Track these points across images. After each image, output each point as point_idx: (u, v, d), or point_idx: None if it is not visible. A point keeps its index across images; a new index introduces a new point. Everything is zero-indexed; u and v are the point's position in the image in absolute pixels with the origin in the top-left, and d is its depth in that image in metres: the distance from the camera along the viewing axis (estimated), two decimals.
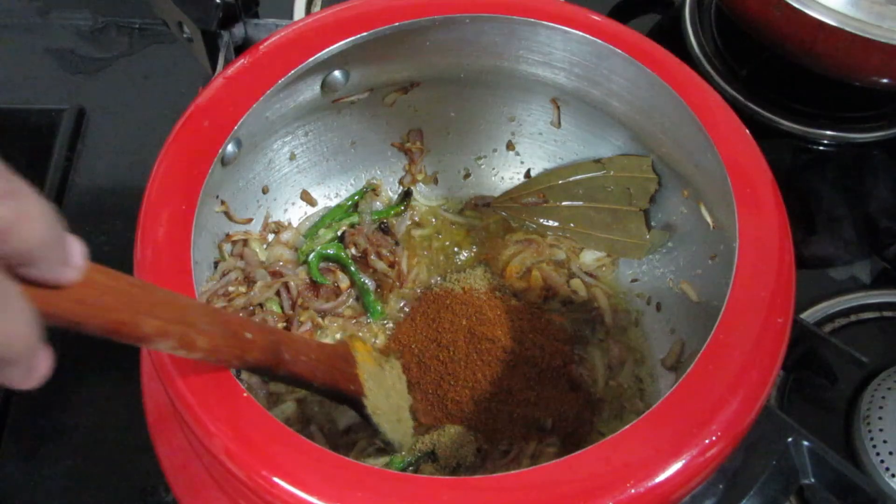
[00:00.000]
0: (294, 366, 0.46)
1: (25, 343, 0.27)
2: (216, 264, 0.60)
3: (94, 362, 0.67)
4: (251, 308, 0.61)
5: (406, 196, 0.71)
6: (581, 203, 0.69)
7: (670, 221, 0.65)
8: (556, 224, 0.70)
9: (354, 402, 0.52)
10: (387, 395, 0.55)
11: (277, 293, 0.63)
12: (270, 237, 0.65)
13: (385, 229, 0.69)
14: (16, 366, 0.27)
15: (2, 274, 0.26)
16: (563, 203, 0.69)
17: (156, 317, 0.35)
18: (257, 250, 0.63)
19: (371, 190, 0.71)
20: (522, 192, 0.71)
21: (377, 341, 0.65)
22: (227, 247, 0.61)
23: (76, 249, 0.29)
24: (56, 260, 0.28)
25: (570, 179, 0.68)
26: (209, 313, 0.40)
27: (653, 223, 0.66)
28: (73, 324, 0.30)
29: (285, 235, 0.66)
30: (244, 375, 0.59)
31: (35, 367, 0.28)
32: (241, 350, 0.41)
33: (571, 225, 0.69)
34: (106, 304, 0.32)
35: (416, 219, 0.71)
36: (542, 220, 0.70)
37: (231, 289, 0.60)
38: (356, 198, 0.70)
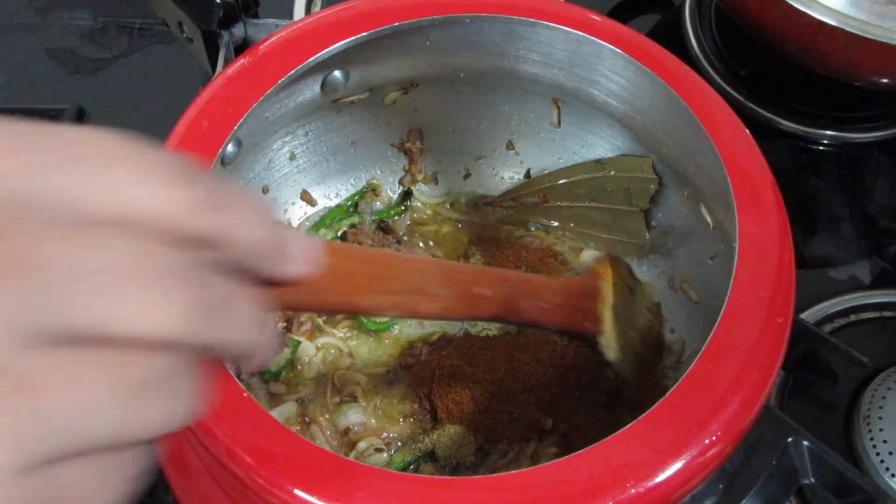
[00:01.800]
0: (529, 314, 0.45)
1: (257, 343, 0.27)
2: None
3: None
4: None
5: (406, 196, 0.71)
6: (581, 203, 0.69)
7: (670, 221, 0.65)
8: (556, 224, 0.70)
9: (589, 339, 0.51)
10: (630, 324, 0.53)
11: None
12: None
13: (385, 229, 0.69)
14: (254, 357, 0.28)
15: (231, 279, 0.26)
16: (563, 203, 0.69)
17: (380, 292, 0.35)
18: None
19: (371, 190, 0.71)
20: (523, 191, 0.71)
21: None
22: None
23: (298, 246, 0.30)
24: (278, 259, 0.29)
25: (571, 180, 0.68)
26: (447, 276, 0.40)
27: (653, 223, 0.66)
28: (296, 307, 0.31)
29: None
30: (244, 375, 0.59)
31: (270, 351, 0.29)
32: (474, 307, 0.42)
33: (571, 225, 0.69)
34: (327, 287, 0.32)
35: (416, 217, 0.71)
36: (542, 220, 0.70)
37: None
38: (356, 198, 0.70)
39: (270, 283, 0.29)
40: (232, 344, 0.26)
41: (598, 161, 0.67)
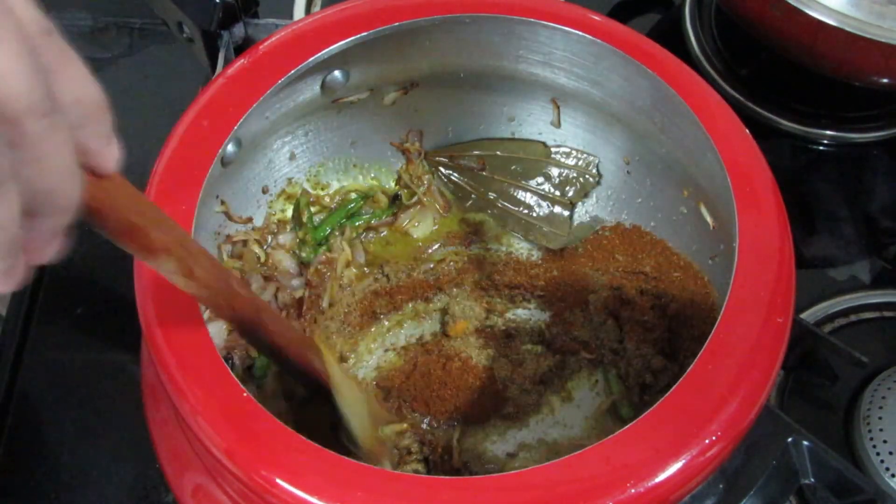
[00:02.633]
0: (273, 335, 0.47)
1: (67, 195, 0.28)
2: None
3: (94, 361, 0.67)
4: None
5: (395, 199, 0.71)
6: (515, 181, 0.69)
7: (671, 221, 0.65)
8: (494, 196, 0.70)
9: (323, 389, 0.53)
10: (350, 392, 0.55)
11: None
12: (270, 239, 0.65)
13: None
14: (48, 218, 0.28)
15: (62, 127, 0.27)
16: (497, 176, 0.69)
17: (164, 232, 0.36)
18: (257, 251, 0.63)
19: (371, 197, 0.71)
20: (464, 152, 0.70)
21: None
22: (227, 248, 0.61)
23: (115, 138, 0.31)
24: (102, 131, 0.30)
25: (512, 155, 0.69)
26: (206, 253, 0.41)
27: (652, 223, 0.66)
28: (94, 213, 0.31)
29: (282, 238, 0.65)
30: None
31: (58, 237, 0.29)
32: (231, 297, 0.43)
33: (500, 202, 0.70)
34: (124, 204, 0.33)
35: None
36: (479, 189, 0.70)
37: None
38: (360, 201, 0.70)
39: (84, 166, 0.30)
40: (43, 179, 0.26)
41: (546, 146, 0.68)
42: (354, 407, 0.54)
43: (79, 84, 0.28)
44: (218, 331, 0.57)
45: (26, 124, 0.25)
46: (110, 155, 0.31)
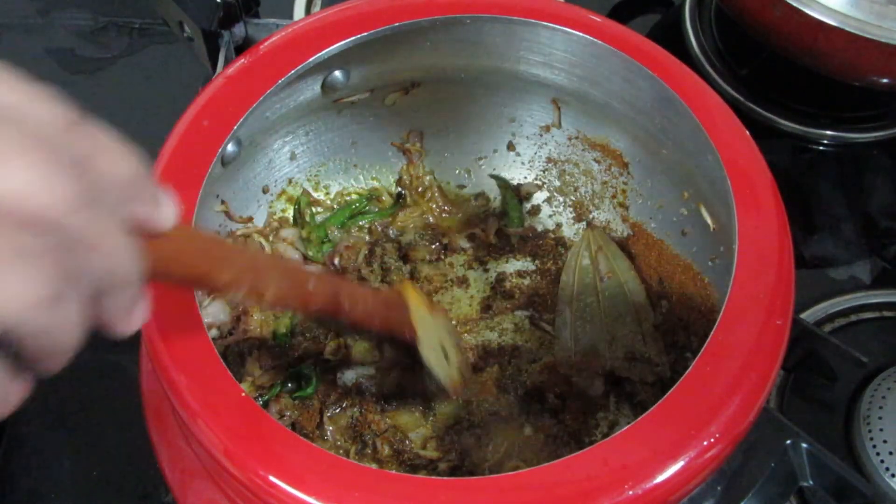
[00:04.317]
0: (352, 313, 0.49)
1: (128, 271, 0.29)
2: None
3: (94, 361, 0.67)
4: None
5: (398, 199, 0.71)
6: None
7: (671, 223, 0.65)
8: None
9: (409, 345, 0.54)
10: (438, 338, 0.57)
11: None
12: (271, 237, 0.65)
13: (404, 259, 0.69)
14: (120, 296, 0.29)
15: (107, 212, 0.28)
16: None
17: (229, 269, 0.38)
18: (263, 243, 0.63)
19: (376, 197, 0.71)
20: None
21: None
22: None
23: (166, 195, 0.32)
24: (149, 198, 0.31)
25: None
26: (276, 266, 0.44)
27: (653, 224, 0.66)
28: (160, 274, 0.33)
29: (285, 232, 0.65)
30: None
31: (136, 307, 0.30)
32: (305, 300, 0.46)
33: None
34: (187, 255, 0.35)
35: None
36: None
37: None
38: (364, 201, 0.70)
39: (140, 233, 0.30)
40: (100, 266, 0.27)
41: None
42: (436, 352, 0.56)
43: (113, 163, 0.29)
44: (219, 309, 0.57)
45: (69, 224, 0.25)
46: (163, 216, 0.32)
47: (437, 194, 0.71)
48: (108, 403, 0.66)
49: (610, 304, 0.65)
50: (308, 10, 0.90)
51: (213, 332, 0.59)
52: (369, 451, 0.58)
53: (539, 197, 0.72)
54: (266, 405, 0.58)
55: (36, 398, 0.67)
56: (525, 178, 0.72)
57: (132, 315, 0.30)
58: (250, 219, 0.64)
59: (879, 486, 0.61)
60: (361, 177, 0.71)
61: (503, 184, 0.71)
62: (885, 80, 0.76)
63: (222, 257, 0.38)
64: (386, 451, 0.57)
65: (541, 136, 0.69)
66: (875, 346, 0.70)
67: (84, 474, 0.63)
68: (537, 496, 0.39)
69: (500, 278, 0.68)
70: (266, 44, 0.56)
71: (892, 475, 0.62)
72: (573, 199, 0.71)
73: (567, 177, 0.70)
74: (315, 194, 0.69)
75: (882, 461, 0.62)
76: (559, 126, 0.68)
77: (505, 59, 0.63)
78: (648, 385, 0.60)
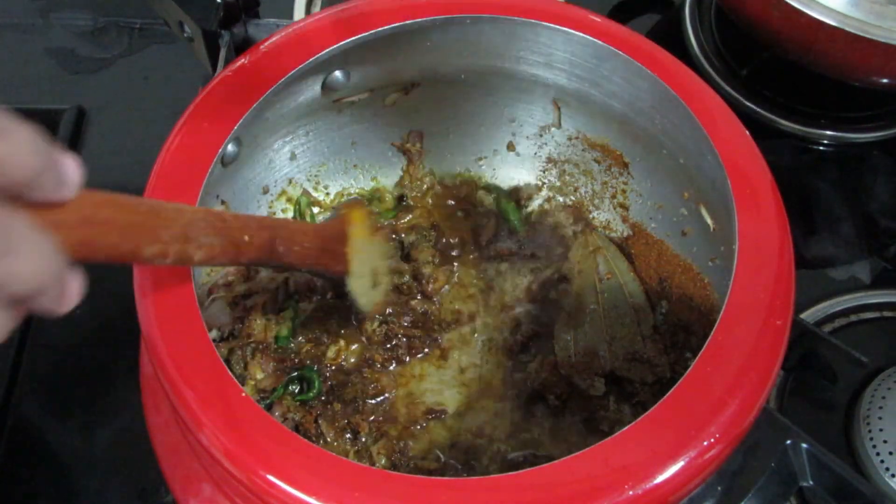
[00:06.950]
0: (286, 257, 0.49)
1: (49, 272, 0.28)
2: None
3: (94, 361, 0.67)
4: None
5: (400, 201, 0.71)
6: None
7: (671, 223, 0.65)
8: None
9: (336, 281, 0.56)
10: (371, 264, 0.58)
11: (277, 288, 0.63)
12: None
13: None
14: (46, 295, 0.28)
15: (8, 210, 0.27)
16: None
17: (155, 241, 0.38)
18: None
19: (377, 198, 0.71)
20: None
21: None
22: None
23: (70, 169, 0.30)
24: (53, 182, 0.29)
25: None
26: (209, 224, 0.42)
27: (653, 225, 0.66)
28: (82, 249, 0.32)
29: None
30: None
31: (66, 292, 0.30)
32: (237, 254, 0.45)
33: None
34: (113, 233, 0.34)
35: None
36: None
37: (231, 279, 0.61)
38: (366, 202, 0.70)
39: (40, 206, 0.30)
40: (18, 276, 0.26)
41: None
42: (363, 280, 0.57)
43: (6, 157, 0.27)
44: (220, 310, 0.57)
45: None
46: (65, 190, 0.30)
47: (437, 194, 0.71)
48: (108, 403, 0.66)
49: (610, 304, 0.65)
50: (308, 10, 0.90)
51: (213, 334, 0.59)
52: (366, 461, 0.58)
53: (539, 197, 0.72)
54: (269, 408, 0.58)
55: (37, 398, 0.67)
56: (525, 178, 0.72)
57: (64, 299, 0.30)
58: None
59: (879, 486, 0.61)
60: (361, 177, 0.71)
61: (497, 195, 0.71)
62: (885, 80, 0.76)
63: (148, 230, 0.37)
64: (383, 462, 0.57)
65: (541, 136, 0.70)
66: (875, 347, 0.70)
67: (84, 474, 0.63)
68: (537, 496, 0.39)
69: (501, 278, 0.68)
70: (266, 44, 0.56)
71: (892, 475, 0.62)
72: (573, 199, 0.71)
73: (567, 177, 0.70)
74: (315, 194, 0.69)
75: (882, 461, 0.62)
76: (559, 126, 0.68)
77: (505, 60, 0.63)
78: (648, 385, 0.60)
